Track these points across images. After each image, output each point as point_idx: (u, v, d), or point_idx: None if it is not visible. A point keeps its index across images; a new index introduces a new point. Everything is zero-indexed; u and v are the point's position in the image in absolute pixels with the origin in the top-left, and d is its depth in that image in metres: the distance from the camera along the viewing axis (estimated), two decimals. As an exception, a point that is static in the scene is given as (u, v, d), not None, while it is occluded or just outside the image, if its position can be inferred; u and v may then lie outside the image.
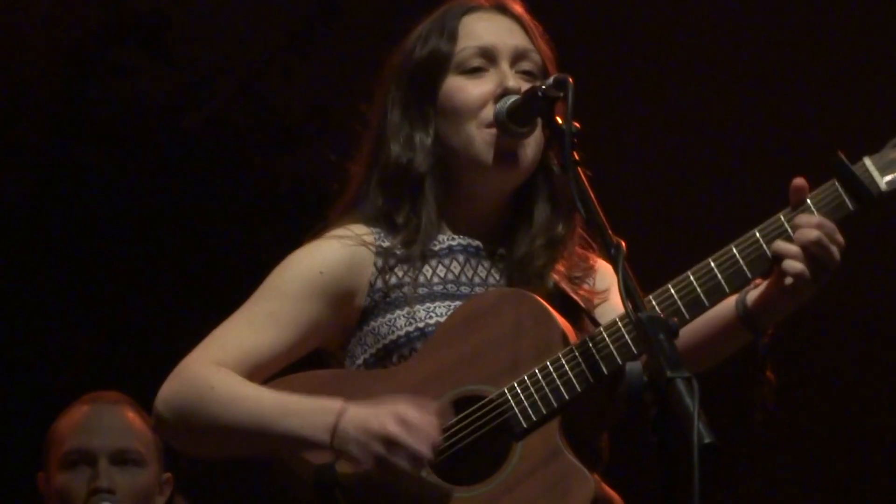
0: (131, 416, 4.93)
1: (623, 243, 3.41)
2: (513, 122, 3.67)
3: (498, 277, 3.79)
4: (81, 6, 6.10)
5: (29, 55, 6.03)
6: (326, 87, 6.27)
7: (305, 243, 3.78)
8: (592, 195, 3.52)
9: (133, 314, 6.18)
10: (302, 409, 3.55)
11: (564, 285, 3.78)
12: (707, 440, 3.12)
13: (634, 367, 3.27)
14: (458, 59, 3.77)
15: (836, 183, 3.58)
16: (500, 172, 3.73)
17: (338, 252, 3.73)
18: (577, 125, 3.56)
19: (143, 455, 4.88)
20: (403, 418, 3.49)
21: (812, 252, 3.53)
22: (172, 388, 3.63)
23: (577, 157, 3.52)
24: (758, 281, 3.65)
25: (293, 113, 6.51)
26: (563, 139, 3.54)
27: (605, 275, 3.82)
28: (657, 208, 6.31)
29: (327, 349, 3.81)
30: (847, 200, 3.57)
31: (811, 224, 3.54)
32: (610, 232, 3.47)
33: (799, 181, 3.59)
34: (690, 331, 3.58)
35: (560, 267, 3.79)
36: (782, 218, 3.58)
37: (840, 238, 3.57)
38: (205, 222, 6.30)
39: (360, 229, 3.76)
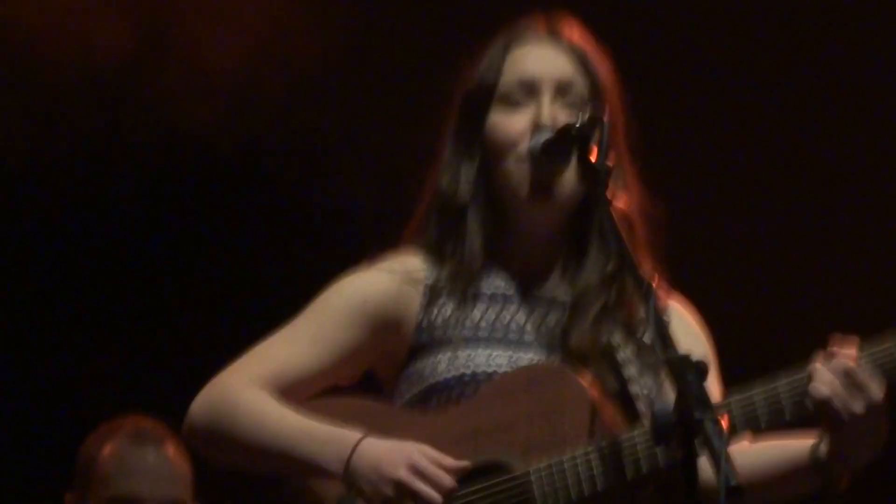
0: (175, 457, 4.88)
1: (655, 281, 3.37)
2: (547, 157, 3.60)
3: (553, 325, 3.69)
4: (118, 32, 6.09)
5: (65, 80, 6.10)
6: (361, 115, 6.31)
7: (359, 269, 3.73)
8: (623, 234, 3.45)
9: (165, 336, 6.23)
10: (320, 436, 3.52)
11: (623, 347, 3.66)
12: (734, 482, 3.03)
13: (663, 407, 3.20)
14: (501, 92, 3.71)
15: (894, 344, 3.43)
16: (536, 206, 3.64)
17: (385, 284, 3.68)
18: (611, 162, 3.49)
19: (188, 501, 4.85)
20: (416, 466, 3.45)
21: (827, 407, 3.41)
22: (204, 401, 3.61)
23: (608, 196, 3.45)
24: None
25: (328, 140, 6.47)
26: (595, 176, 3.48)
27: (677, 324, 3.59)
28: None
29: (380, 378, 3.76)
30: None
31: (824, 380, 3.41)
32: (641, 270, 3.41)
33: (832, 351, 3.44)
34: (762, 465, 3.49)
35: (620, 313, 3.68)
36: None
37: (872, 392, 3.39)
38: (236, 247, 6.37)
39: (412, 262, 3.72)
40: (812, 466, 3.53)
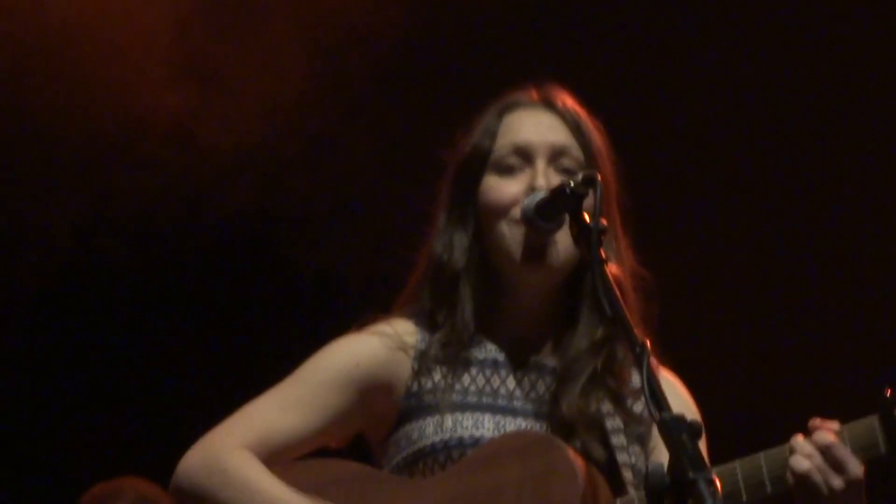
0: None
1: (648, 343, 3.29)
2: (540, 218, 3.59)
3: (542, 391, 3.71)
4: (107, 102, 6.15)
5: (58, 146, 6.17)
6: (350, 181, 6.35)
7: (350, 333, 3.75)
8: (619, 296, 3.41)
9: (155, 399, 6.28)
10: None
11: (611, 416, 3.67)
12: None
13: (657, 467, 3.15)
14: (495, 158, 3.74)
15: (877, 421, 3.43)
16: (530, 269, 3.65)
17: (376, 349, 3.70)
18: (605, 222, 3.48)
19: None
20: None
21: (806, 481, 3.42)
22: (192, 463, 3.62)
23: (602, 255, 3.42)
24: None
25: (316, 206, 6.51)
26: (589, 236, 3.45)
27: (668, 391, 3.47)
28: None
29: (370, 441, 3.77)
30: (882, 442, 3.42)
31: (804, 452, 3.43)
32: (635, 331, 3.35)
33: (823, 426, 3.45)
34: None
35: (609, 382, 3.69)
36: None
37: (850, 468, 3.40)
38: (227, 311, 6.41)
39: (403, 328, 3.73)
40: None
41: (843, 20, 6.29)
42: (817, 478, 3.41)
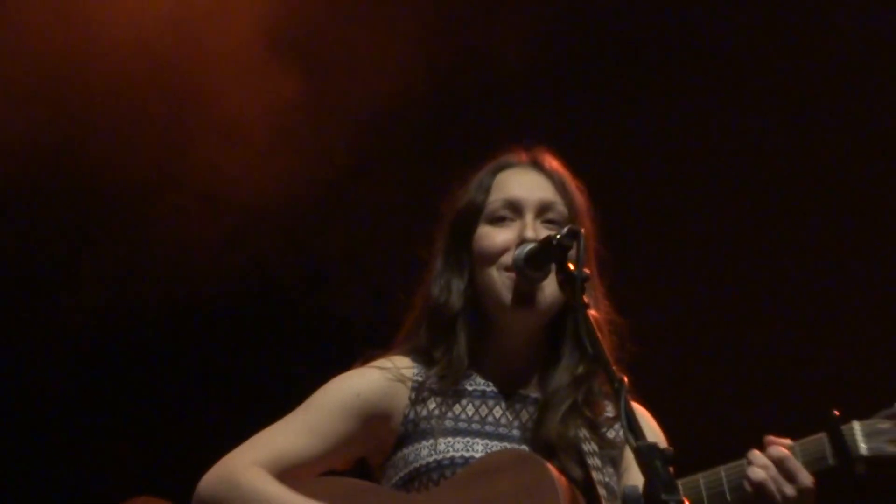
0: None
1: (626, 379, 3.48)
2: (529, 267, 3.81)
3: (525, 419, 3.90)
4: (141, 157, 6.29)
5: (90, 198, 6.26)
6: (358, 233, 6.42)
7: (354, 367, 3.97)
8: (599, 337, 3.61)
9: (177, 432, 6.33)
10: None
11: (587, 441, 3.86)
12: None
13: (632, 489, 3.35)
14: (489, 210, 3.95)
15: (825, 438, 3.65)
16: (519, 312, 3.86)
17: (376, 381, 3.91)
18: (587, 271, 3.69)
19: None
20: None
21: (763, 489, 3.64)
22: (212, 478, 3.83)
23: (585, 300, 3.62)
24: None
25: (326, 255, 6.53)
26: (573, 283, 3.66)
27: (641, 422, 3.64)
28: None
29: (371, 464, 3.97)
30: (829, 455, 3.64)
31: (760, 464, 3.64)
32: (614, 368, 3.55)
33: (775, 442, 3.67)
34: None
35: (587, 412, 3.90)
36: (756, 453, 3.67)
37: (802, 478, 3.63)
38: (244, 348, 6.48)
39: (402, 362, 3.94)
40: None
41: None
42: (772, 486, 3.62)
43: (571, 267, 3.71)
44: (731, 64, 6.58)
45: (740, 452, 3.73)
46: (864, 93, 6.47)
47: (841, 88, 6.48)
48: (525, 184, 3.99)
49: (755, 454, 3.67)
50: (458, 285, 3.95)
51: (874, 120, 6.46)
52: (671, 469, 3.36)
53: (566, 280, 3.73)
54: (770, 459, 3.65)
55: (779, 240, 6.54)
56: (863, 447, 3.63)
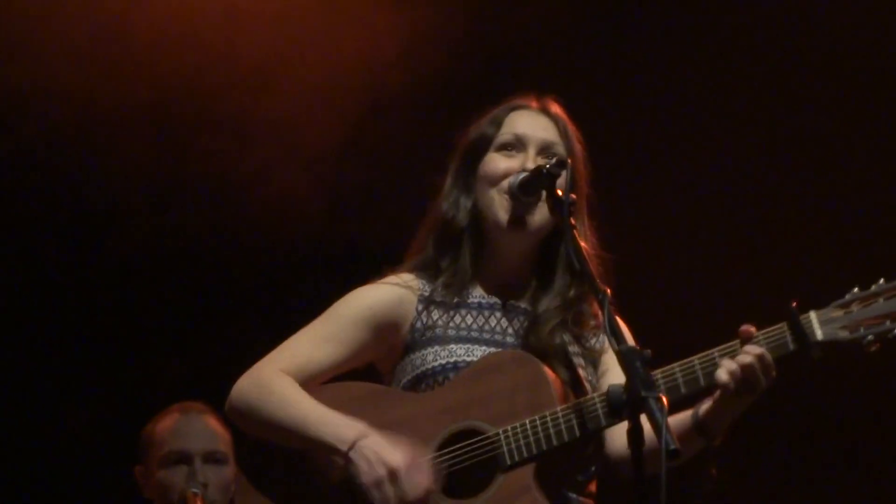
0: (215, 422, 5.40)
1: (609, 290, 3.80)
2: (522, 193, 4.12)
3: (518, 328, 4.17)
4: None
5: (129, 142, 6.44)
6: (379, 166, 6.53)
7: (368, 283, 4.25)
8: (585, 253, 3.95)
9: (217, 347, 6.51)
10: (334, 421, 4.01)
11: (572, 345, 4.14)
12: (672, 447, 3.48)
13: (615, 387, 3.66)
14: (498, 141, 4.22)
15: (786, 326, 3.90)
16: (512, 233, 4.15)
17: (387, 294, 4.19)
18: (574, 197, 4.02)
19: (227, 454, 5.38)
20: (413, 463, 3.92)
21: (743, 373, 3.86)
22: (244, 386, 4.11)
23: (572, 223, 3.97)
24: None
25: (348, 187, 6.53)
26: (561, 206, 4.00)
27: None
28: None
29: (380, 370, 4.25)
30: (789, 342, 3.90)
31: (752, 352, 3.87)
32: (598, 281, 3.90)
33: (746, 328, 3.92)
34: (654, 438, 3.67)
35: (573, 327, 4.16)
36: (738, 344, 3.92)
37: (772, 372, 3.88)
38: (271, 275, 6.62)
39: (409, 278, 4.20)
40: (694, 426, 3.95)
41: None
42: (758, 372, 3.87)
43: (560, 193, 4.02)
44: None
45: (713, 344, 3.98)
46: (858, 33, 6.57)
47: (831, 27, 6.57)
48: (532, 124, 4.26)
49: (748, 345, 3.92)
50: (465, 203, 4.21)
51: (866, 54, 6.58)
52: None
53: (555, 204, 4.04)
54: (737, 363, 3.90)
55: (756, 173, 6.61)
56: (818, 333, 3.90)
